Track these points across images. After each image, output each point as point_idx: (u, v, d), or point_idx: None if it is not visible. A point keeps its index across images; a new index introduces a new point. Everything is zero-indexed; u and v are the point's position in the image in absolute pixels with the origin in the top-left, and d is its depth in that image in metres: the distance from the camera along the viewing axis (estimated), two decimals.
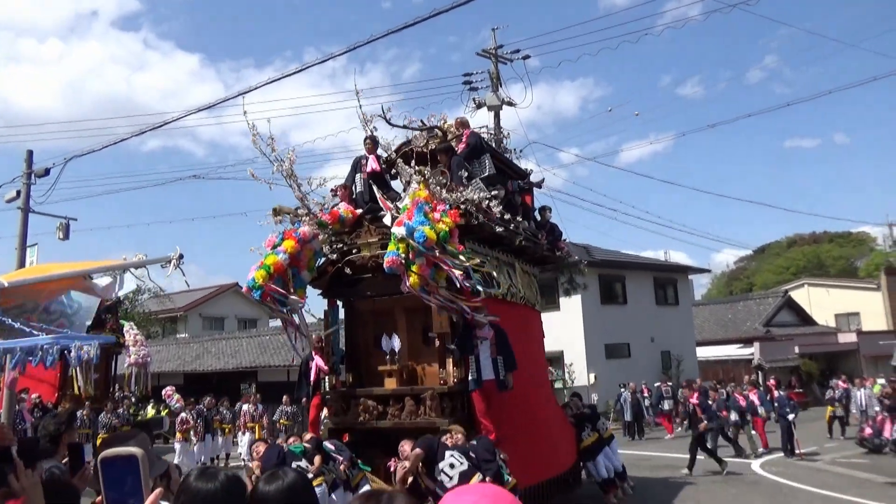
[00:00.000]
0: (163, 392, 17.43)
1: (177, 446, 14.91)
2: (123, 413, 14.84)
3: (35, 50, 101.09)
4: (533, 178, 11.20)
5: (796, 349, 29.53)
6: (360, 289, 8.04)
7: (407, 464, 5.87)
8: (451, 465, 5.87)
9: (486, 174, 8.42)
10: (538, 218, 10.74)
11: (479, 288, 7.15)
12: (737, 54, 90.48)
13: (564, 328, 24.17)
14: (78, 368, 13.41)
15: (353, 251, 7.79)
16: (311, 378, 8.88)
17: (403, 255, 6.33)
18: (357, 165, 8.64)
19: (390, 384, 7.72)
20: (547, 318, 24.67)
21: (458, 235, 6.91)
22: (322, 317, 8.52)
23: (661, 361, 26.05)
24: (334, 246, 7.85)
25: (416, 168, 7.36)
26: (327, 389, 8.41)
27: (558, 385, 22.59)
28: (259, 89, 13.28)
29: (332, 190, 8.60)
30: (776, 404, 15.49)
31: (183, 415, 15.14)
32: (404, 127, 8.36)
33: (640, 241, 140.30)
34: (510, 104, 18.86)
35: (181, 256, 5.09)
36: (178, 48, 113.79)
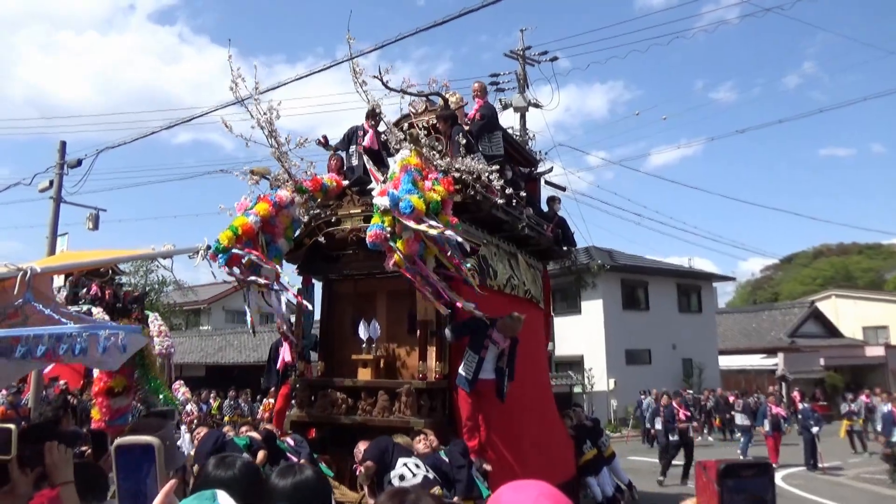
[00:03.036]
0: (172, 386, 17.68)
1: (185, 437, 15.11)
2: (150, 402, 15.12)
3: (73, 42, 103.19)
4: (557, 181, 10.58)
5: (821, 361, 29.01)
6: (339, 266, 7.15)
7: (363, 469, 5.03)
8: (402, 477, 4.91)
9: (493, 153, 7.50)
10: (545, 209, 9.97)
11: (475, 273, 6.38)
12: (774, 59, 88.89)
13: (585, 333, 24.05)
14: None
15: (333, 222, 6.79)
16: (279, 365, 8.31)
17: (389, 230, 5.55)
18: (352, 136, 7.77)
19: (364, 375, 6.81)
20: (568, 322, 24.86)
21: (451, 207, 6.08)
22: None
23: (683, 369, 25.78)
24: (311, 213, 6.88)
25: (408, 130, 6.41)
26: (296, 378, 7.55)
27: (577, 389, 22.46)
28: (289, 85, 13.35)
29: (317, 141, 7.76)
30: (800, 417, 15.24)
31: (189, 407, 15.34)
32: (402, 91, 7.29)
33: (665, 247, 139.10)
34: (537, 106, 18.81)
35: (208, 247, 5.15)
36: (213, 42, 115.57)
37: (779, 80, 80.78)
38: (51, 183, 16.30)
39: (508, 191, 7.00)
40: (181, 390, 17.02)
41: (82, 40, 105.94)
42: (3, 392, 13.95)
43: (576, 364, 23.91)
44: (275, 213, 6.11)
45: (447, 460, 5.48)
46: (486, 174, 6.61)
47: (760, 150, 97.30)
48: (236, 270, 5.72)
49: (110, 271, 15.60)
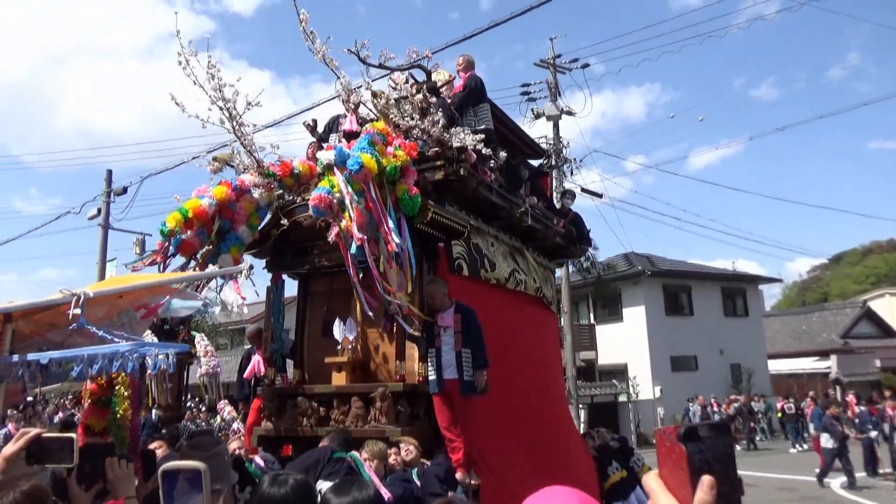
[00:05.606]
0: (218, 405, 17.95)
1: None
2: (199, 422, 15.44)
3: (116, 73, 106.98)
4: (594, 188, 10.13)
5: (877, 363, 28.01)
6: (310, 259, 6.28)
7: None
8: None
9: (482, 128, 6.62)
10: (558, 205, 9.43)
11: (463, 263, 5.81)
12: (816, 53, 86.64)
13: (628, 340, 23.71)
14: (153, 377, 13.97)
15: (299, 207, 5.87)
16: (246, 374, 7.94)
17: (338, 195, 4.74)
18: (334, 125, 7.19)
19: (339, 380, 6.01)
20: (610, 329, 24.54)
21: (413, 178, 5.22)
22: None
23: (731, 375, 25.19)
24: (276, 199, 5.95)
25: (374, 89, 5.64)
26: (264, 386, 6.72)
27: (622, 398, 22.13)
28: (321, 104, 13.53)
29: (305, 123, 7.20)
30: (857, 421, 14.73)
31: (235, 425, 15.53)
32: (381, 66, 6.48)
33: (708, 251, 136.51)
34: (570, 114, 18.74)
35: (251, 267, 5.26)
36: (251, 66, 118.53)
37: (822, 74, 78.85)
38: (99, 211, 16.89)
39: (487, 151, 6.14)
40: (226, 409, 17.32)
41: (125, 71, 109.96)
42: (60, 415, 14.42)
43: (619, 372, 23.57)
44: (235, 197, 5.50)
45: (419, 483, 4.58)
46: (466, 138, 5.81)
47: (806, 147, 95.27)
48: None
49: None
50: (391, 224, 4.83)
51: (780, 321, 33.16)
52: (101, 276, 16.06)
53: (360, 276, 4.99)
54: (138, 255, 5.21)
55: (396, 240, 4.79)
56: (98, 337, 2.95)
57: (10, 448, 1.68)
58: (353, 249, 4.72)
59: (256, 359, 7.92)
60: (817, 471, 13.18)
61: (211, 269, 4.90)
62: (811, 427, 14.24)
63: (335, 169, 4.84)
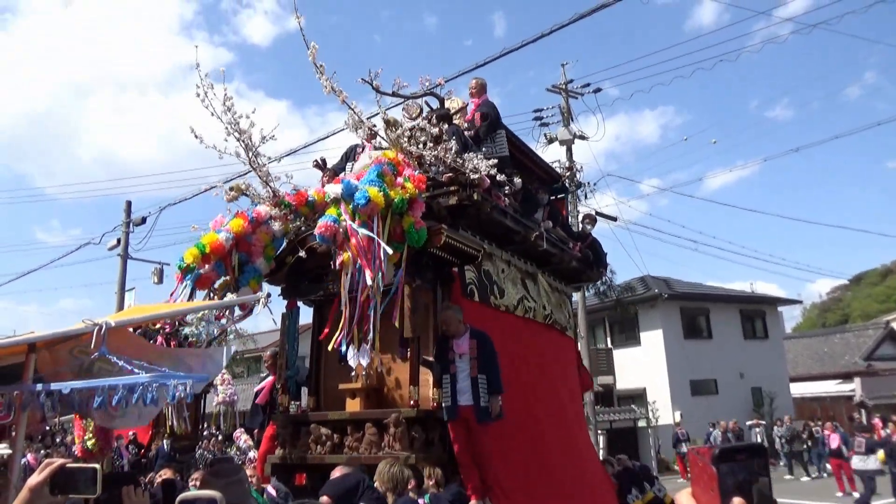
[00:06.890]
0: (234, 434, 17.92)
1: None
2: (214, 450, 15.39)
3: (137, 103, 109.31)
4: (608, 212, 10.12)
5: None
6: (325, 286, 6.20)
7: None
8: None
9: (497, 154, 6.62)
10: (574, 229, 9.61)
11: (473, 287, 5.81)
12: (832, 73, 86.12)
13: (646, 364, 23.44)
14: (172, 406, 13.98)
15: (313, 236, 5.69)
16: (258, 400, 7.87)
17: (345, 224, 4.84)
18: (351, 154, 7.20)
19: (353, 406, 5.91)
20: (627, 353, 24.28)
21: (421, 210, 5.23)
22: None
23: (752, 398, 24.77)
24: (292, 227, 5.98)
25: (387, 117, 5.72)
26: (278, 413, 6.68)
27: (642, 423, 21.80)
28: (336, 133, 13.68)
29: (314, 163, 7.24)
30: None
31: (251, 454, 15.48)
32: (394, 94, 6.48)
33: (727, 273, 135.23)
34: (582, 138, 18.80)
35: (268, 296, 5.31)
36: (269, 96, 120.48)
37: (838, 94, 78.41)
38: (118, 241, 17.11)
39: (501, 177, 6.12)
40: (243, 437, 17.28)
41: (146, 101, 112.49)
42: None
43: (638, 397, 23.27)
44: (251, 229, 5.57)
45: None
46: (477, 164, 5.79)
47: (823, 167, 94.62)
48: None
49: (176, 323, 16.21)
50: (383, 259, 4.85)
51: (801, 343, 32.62)
52: (120, 306, 16.23)
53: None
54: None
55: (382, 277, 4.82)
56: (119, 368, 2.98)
57: (35, 478, 1.71)
58: (369, 280, 4.75)
59: (268, 380, 7.81)
60: (856, 495, 12.73)
61: (229, 297, 4.95)
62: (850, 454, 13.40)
63: (342, 203, 4.94)
